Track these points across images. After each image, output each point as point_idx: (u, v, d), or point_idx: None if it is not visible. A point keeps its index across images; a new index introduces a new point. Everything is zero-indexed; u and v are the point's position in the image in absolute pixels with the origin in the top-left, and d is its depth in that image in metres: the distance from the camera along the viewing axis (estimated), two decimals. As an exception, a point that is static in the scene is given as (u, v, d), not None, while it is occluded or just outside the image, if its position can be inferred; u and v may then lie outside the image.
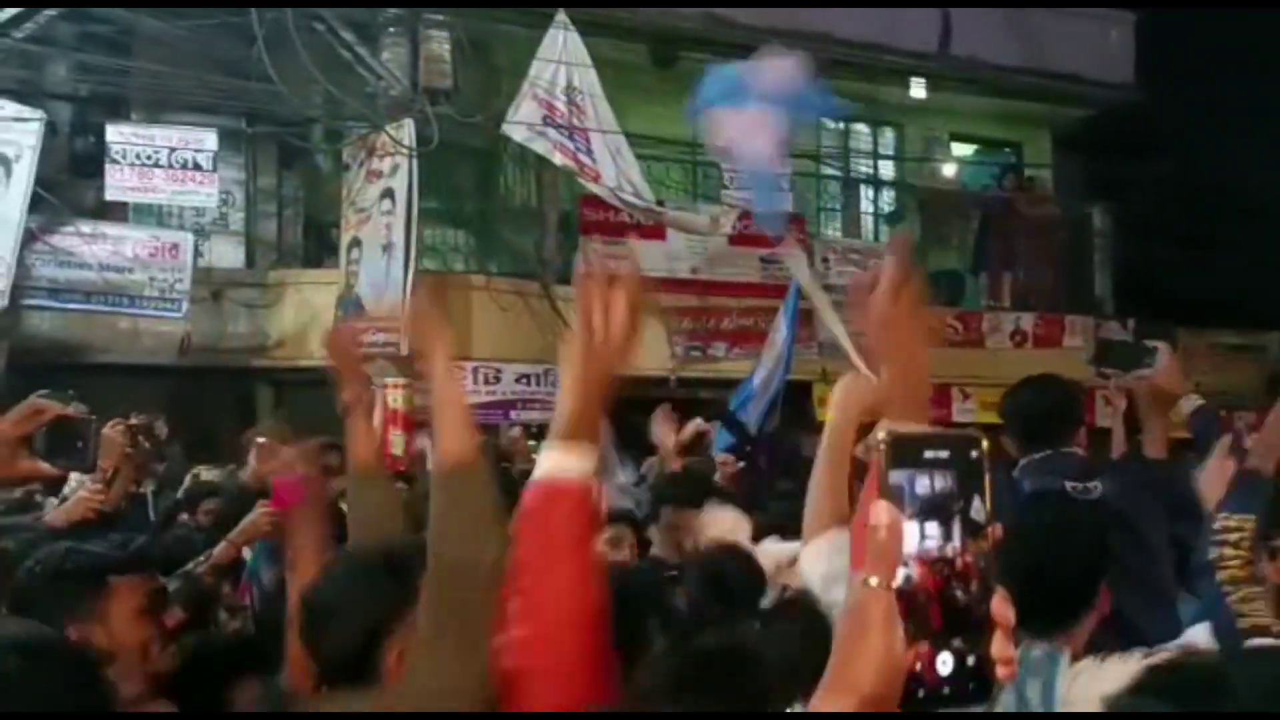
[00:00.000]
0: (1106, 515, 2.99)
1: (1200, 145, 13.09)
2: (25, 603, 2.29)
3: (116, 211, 10.11)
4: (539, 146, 10.05)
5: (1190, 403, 3.52)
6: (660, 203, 11.01)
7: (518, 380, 10.87)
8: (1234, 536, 2.41)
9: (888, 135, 14.37)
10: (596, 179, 10.10)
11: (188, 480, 6.50)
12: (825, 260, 12.30)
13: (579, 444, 1.55)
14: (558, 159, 10.08)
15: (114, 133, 9.50)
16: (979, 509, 0.90)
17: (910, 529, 0.89)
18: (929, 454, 0.90)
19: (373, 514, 2.61)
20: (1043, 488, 3.06)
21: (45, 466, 2.17)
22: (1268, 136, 12.68)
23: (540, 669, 1.49)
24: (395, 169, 9.80)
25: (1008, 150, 15.23)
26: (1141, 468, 3.43)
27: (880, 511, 0.89)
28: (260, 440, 6.43)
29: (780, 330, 8.92)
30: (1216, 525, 2.47)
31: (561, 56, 9.99)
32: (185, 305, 9.85)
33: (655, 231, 11.39)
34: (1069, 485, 3.05)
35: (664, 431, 5.34)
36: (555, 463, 1.55)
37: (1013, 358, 12.95)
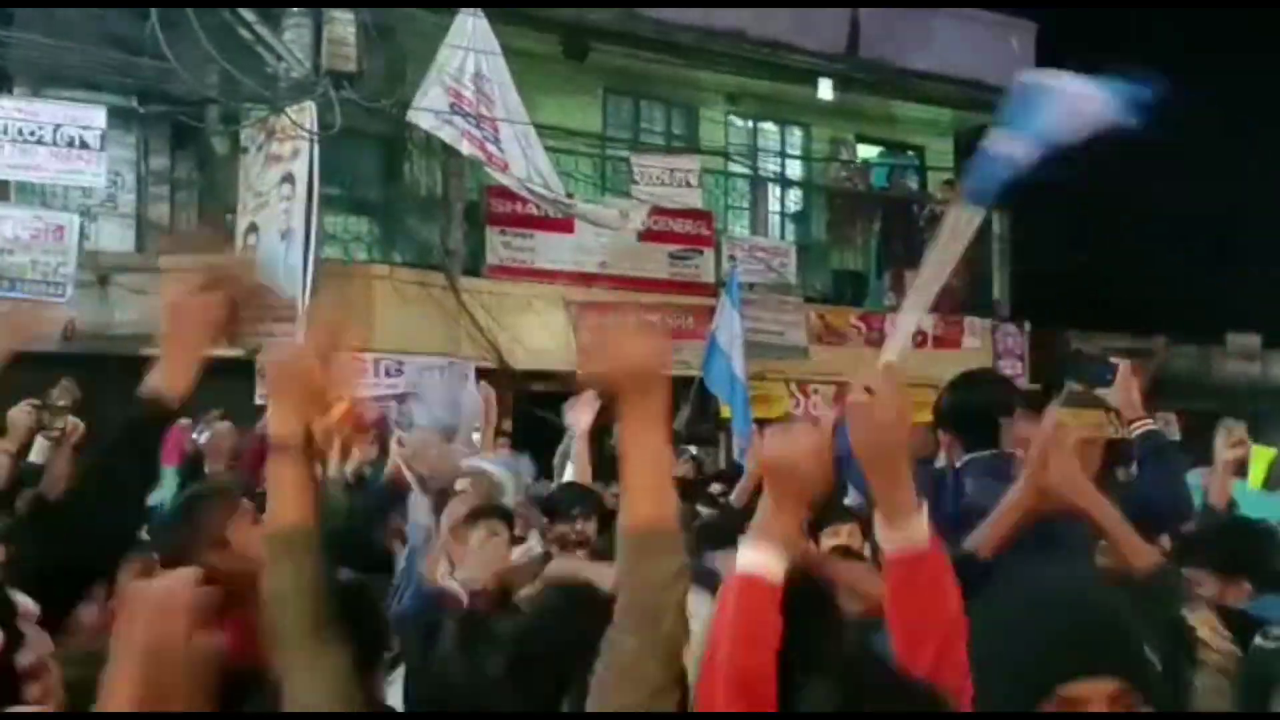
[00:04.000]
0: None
1: (1095, 154, 13.44)
2: None
3: (-3, 190, 9.69)
4: (445, 134, 9.87)
5: (1140, 426, 3.51)
6: (569, 195, 10.90)
7: (420, 373, 10.66)
8: None
9: (795, 134, 14.46)
10: (504, 169, 9.96)
11: None
12: (732, 257, 12.32)
13: (777, 546, 1.87)
14: (465, 148, 9.91)
15: (-5, 107, 9.12)
16: None
17: None
18: None
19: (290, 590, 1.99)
20: (984, 490, 3.03)
21: None
22: (1162, 148, 13.06)
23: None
24: (296, 153, 9.53)
25: (910, 153, 15.44)
26: None
27: None
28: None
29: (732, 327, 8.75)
30: None
31: (470, 44, 9.83)
32: (70, 290, 9.48)
33: (563, 224, 11.28)
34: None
35: (579, 414, 5.31)
36: (757, 559, 1.86)
37: (914, 359, 13.08)
